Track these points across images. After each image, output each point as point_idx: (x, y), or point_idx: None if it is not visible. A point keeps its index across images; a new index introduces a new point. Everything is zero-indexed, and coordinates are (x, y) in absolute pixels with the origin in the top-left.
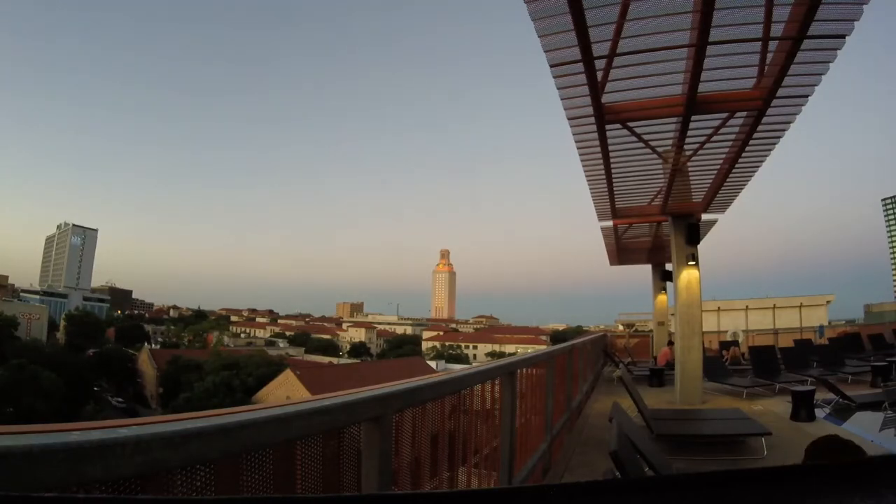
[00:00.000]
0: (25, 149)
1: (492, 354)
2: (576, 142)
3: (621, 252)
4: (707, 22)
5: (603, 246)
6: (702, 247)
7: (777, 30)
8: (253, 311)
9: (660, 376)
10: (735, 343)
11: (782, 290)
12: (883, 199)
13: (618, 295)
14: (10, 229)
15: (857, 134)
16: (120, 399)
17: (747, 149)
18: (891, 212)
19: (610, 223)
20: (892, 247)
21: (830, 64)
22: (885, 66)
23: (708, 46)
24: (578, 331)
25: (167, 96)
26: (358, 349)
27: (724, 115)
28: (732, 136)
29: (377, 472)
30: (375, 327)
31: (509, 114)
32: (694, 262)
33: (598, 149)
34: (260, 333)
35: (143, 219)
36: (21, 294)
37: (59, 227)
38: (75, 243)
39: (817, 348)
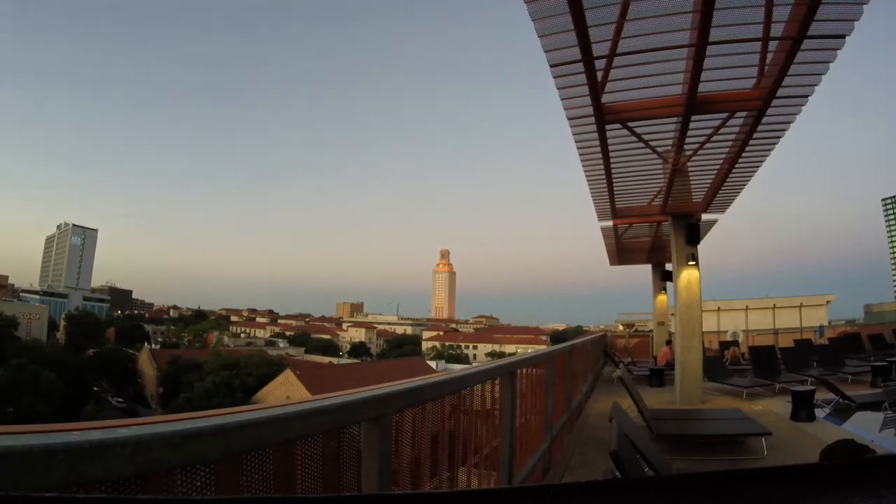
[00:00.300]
0: (26, 149)
1: (492, 354)
2: (576, 142)
3: (621, 252)
4: (707, 22)
5: (603, 246)
6: (702, 247)
7: (777, 30)
8: (253, 311)
9: (660, 376)
10: (735, 343)
11: (782, 290)
12: (883, 199)
13: (618, 295)
14: (10, 229)
15: (857, 134)
16: (120, 399)
17: (747, 149)
18: (891, 212)
19: (610, 223)
20: (892, 247)
21: (830, 64)
22: (885, 66)
23: (708, 46)
24: (578, 331)
25: (168, 96)
26: (358, 349)
27: (724, 115)
28: (732, 136)
29: (377, 472)
30: (375, 327)
31: (509, 114)
32: (694, 262)
33: (598, 149)
34: (260, 333)
35: (143, 219)
36: (21, 294)
37: (59, 227)
38: (75, 243)
39: (817, 348)
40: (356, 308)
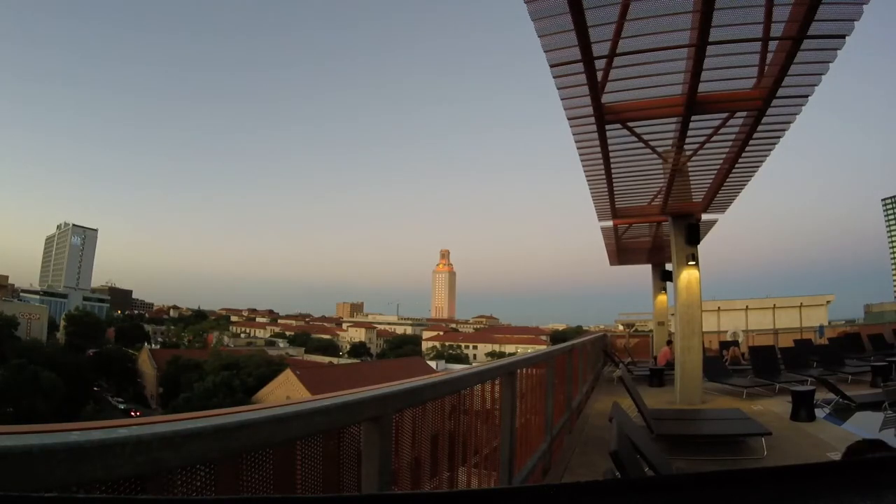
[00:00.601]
0: (26, 149)
1: (492, 354)
2: (576, 142)
3: (621, 252)
4: (707, 22)
5: (603, 246)
6: (702, 247)
7: (777, 30)
8: (253, 311)
9: (660, 376)
10: (735, 343)
11: (782, 290)
12: (883, 199)
13: (618, 295)
14: (10, 229)
15: (857, 134)
16: (120, 399)
17: (747, 149)
18: (891, 212)
19: (610, 223)
20: (892, 247)
21: (830, 64)
22: (885, 66)
23: (708, 46)
24: (578, 331)
25: (168, 96)
26: (358, 349)
27: (724, 115)
28: (732, 137)
29: (377, 472)
30: (375, 327)
31: (510, 114)
32: (694, 262)
33: (598, 149)
34: (260, 333)
35: (143, 219)
36: (21, 294)
37: (59, 227)
38: (75, 243)
39: (817, 348)
40: (356, 308)
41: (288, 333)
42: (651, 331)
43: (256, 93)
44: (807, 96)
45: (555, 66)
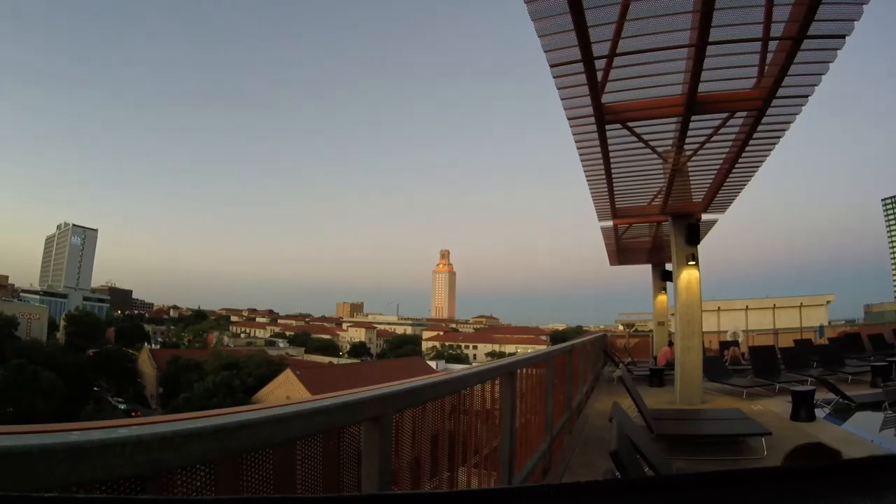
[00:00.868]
0: (26, 149)
1: (492, 354)
2: (576, 142)
3: (621, 252)
4: (707, 22)
5: (603, 246)
6: (702, 247)
7: (777, 30)
8: (253, 311)
9: (660, 376)
10: (735, 343)
11: (782, 290)
12: (883, 199)
13: (618, 295)
14: (10, 229)
15: (857, 134)
16: (120, 399)
17: (747, 149)
18: (891, 212)
19: (610, 223)
20: (892, 247)
21: (830, 64)
22: (885, 66)
23: (708, 46)
24: (578, 331)
25: (168, 96)
26: (358, 349)
27: (724, 115)
28: (732, 136)
29: (377, 472)
30: (375, 327)
31: (510, 114)
32: (694, 262)
33: (598, 149)
34: (260, 333)
35: (143, 219)
36: (21, 294)
37: (59, 227)
38: (75, 243)
39: (817, 348)
40: (356, 308)
41: (288, 333)
42: (651, 331)
43: (257, 93)
44: (807, 96)
45: (555, 66)
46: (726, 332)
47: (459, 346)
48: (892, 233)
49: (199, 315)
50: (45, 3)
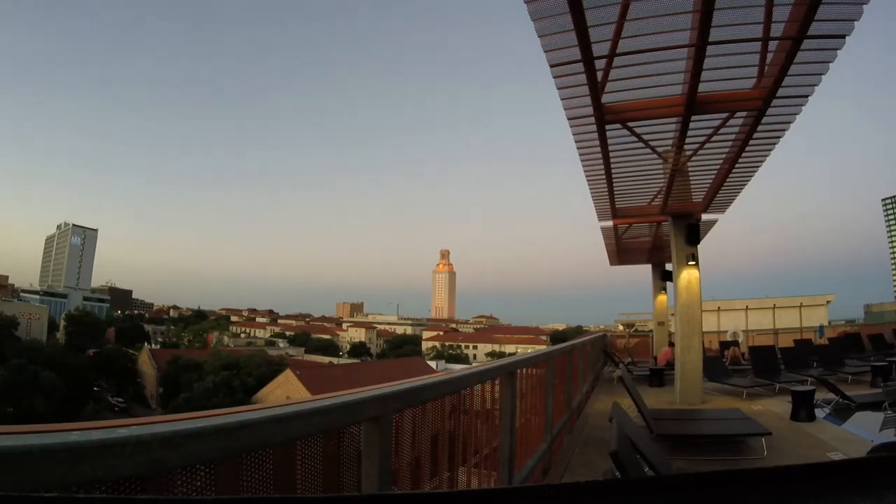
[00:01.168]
0: (25, 149)
1: (492, 354)
2: (576, 142)
3: (621, 252)
4: (707, 22)
5: (603, 246)
6: (702, 247)
7: (777, 30)
8: (253, 311)
9: (660, 376)
10: (735, 343)
11: (782, 290)
12: (883, 199)
13: (618, 295)
14: (10, 229)
15: (857, 134)
16: (120, 399)
17: (747, 149)
18: (891, 212)
19: (610, 223)
20: (892, 247)
21: (830, 64)
22: (885, 66)
23: (708, 46)
24: (578, 331)
25: (168, 96)
26: (358, 349)
27: (724, 115)
28: (732, 136)
29: (377, 472)
30: (375, 327)
31: (510, 114)
32: (694, 262)
33: (598, 149)
34: (260, 333)
35: (143, 219)
36: (21, 294)
37: (59, 227)
38: (75, 243)
39: (817, 348)
40: (356, 308)
41: (288, 333)
42: (651, 331)
43: (257, 92)
44: (807, 96)
45: (555, 66)
46: (726, 332)
47: (459, 346)
48: (892, 233)
49: (199, 315)
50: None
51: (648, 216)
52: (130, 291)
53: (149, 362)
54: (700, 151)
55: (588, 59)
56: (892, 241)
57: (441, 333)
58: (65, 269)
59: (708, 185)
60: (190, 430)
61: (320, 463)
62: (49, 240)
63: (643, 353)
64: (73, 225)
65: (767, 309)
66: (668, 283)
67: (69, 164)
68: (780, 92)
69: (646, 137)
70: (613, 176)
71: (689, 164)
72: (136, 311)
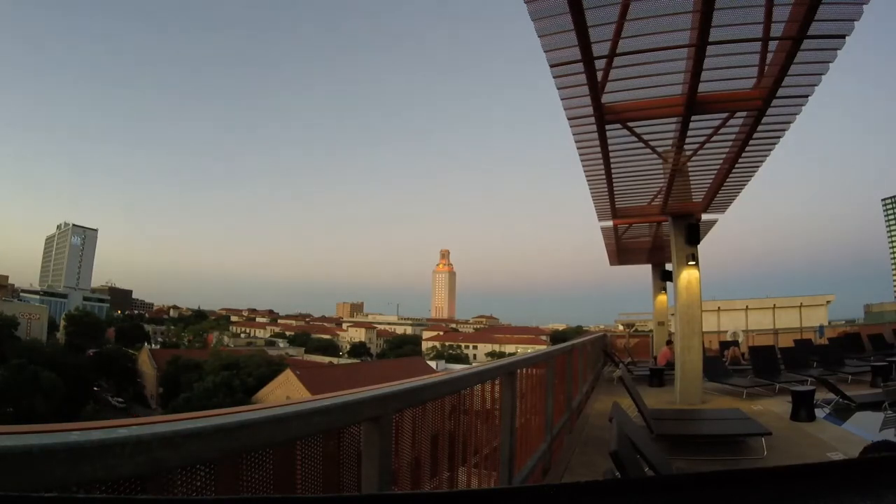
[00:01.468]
0: (25, 149)
1: (492, 354)
2: (576, 142)
3: (621, 252)
4: (707, 22)
5: (603, 246)
6: (702, 247)
7: (777, 30)
8: (253, 311)
9: (660, 376)
10: (735, 343)
11: (782, 290)
12: (883, 199)
13: (618, 295)
14: (10, 229)
15: (857, 134)
16: (120, 399)
17: (747, 149)
18: (891, 212)
19: (610, 223)
20: (892, 247)
21: (830, 64)
22: (885, 66)
23: (708, 46)
24: (578, 331)
25: (167, 96)
26: (358, 349)
27: (724, 115)
28: (732, 137)
29: (377, 472)
30: (375, 327)
31: (510, 114)
32: (694, 262)
33: (598, 149)
34: (260, 333)
35: (143, 219)
36: (21, 294)
37: (59, 227)
38: (75, 243)
39: (817, 348)
40: (356, 308)
41: (288, 333)
42: (651, 331)
43: (257, 92)
44: (807, 96)
45: (555, 66)
46: (726, 332)
47: (459, 346)
48: (892, 233)
49: (199, 315)
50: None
51: (648, 216)
52: (130, 291)
53: (149, 362)
54: (700, 151)
55: (588, 59)
56: (892, 241)
57: (441, 333)
58: (65, 269)
59: (708, 185)
60: (190, 430)
61: (320, 463)
62: (49, 240)
63: (643, 353)
64: (73, 225)
65: (767, 309)
66: (668, 283)
67: (69, 164)
68: (780, 92)
69: (646, 137)
70: (613, 176)
71: (689, 164)
72: (136, 311)
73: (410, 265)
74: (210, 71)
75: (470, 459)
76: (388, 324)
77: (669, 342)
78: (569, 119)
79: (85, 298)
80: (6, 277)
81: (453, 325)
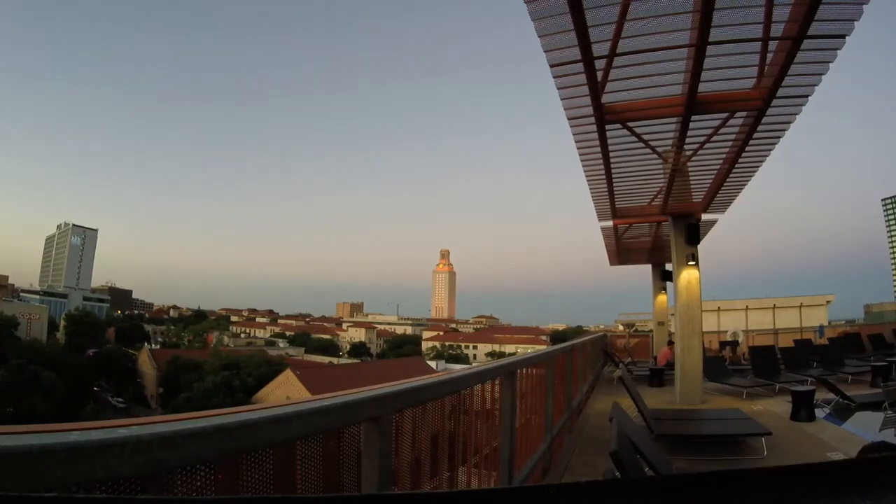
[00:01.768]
0: (25, 149)
1: (492, 354)
2: (576, 142)
3: (621, 252)
4: (707, 22)
5: (603, 246)
6: (702, 247)
7: (777, 30)
8: (253, 311)
9: (660, 376)
10: (735, 343)
11: (782, 290)
12: (883, 199)
13: (618, 295)
14: (10, 229)
15: (857, 134)
16: (120, 399)
17: (747, 149)
18: (891, 212)
19: (610, 223)
20: (892, 247)
21: (830, 64)
22: (885, 66)
23: (708, 46)
24: (578, 331)
25: (168, 96)
26: (358, 349)
27: (724, 115)
28: (732, 137)
29: (377, 472)
30: (375, 327)
31: (510, 114)
32: (694, 262)
33: (598, 149)
34: (260, 333)
35: (143, 219)
36: (21, 294)
37: (59, 227)
38: (75, 243)
39: (817, 348)
40: (356, 308)
41: (288, 333)
42: (651, 331)
43: (257, 93)
44: (807, 96)
45: (555, 66)
46: (726, 332)
47: (459, 346)
48: (892, 233)
49: (199, 315)
50: (45, 0)
51: (648, 216)
52: (130, 291)
53: (149, 362)
54: (700, 151)
55: (588, 59)
56: (892, 241)
57: (441, 333)
58: (65, 269)
59: (708, 186)
60: (190, 430)
61: (320, 463)
62: (49, 240)
63: (643, 353)
64: (73, 225)
65: (767, 309)
66: (668, 283)
67: (69, 164)
68: (780, 92)
69: (646, 137)
70: (613, 176)
71: (689, 164)
72: (136, 311)
73: (410, 265)
74: (210, 71)
75: (470, 459)
76: (388, 324)
77: (671, 342)
78: (569, 119)
79: (85, 298)
80: (6, 277)
81: (453, 325)
